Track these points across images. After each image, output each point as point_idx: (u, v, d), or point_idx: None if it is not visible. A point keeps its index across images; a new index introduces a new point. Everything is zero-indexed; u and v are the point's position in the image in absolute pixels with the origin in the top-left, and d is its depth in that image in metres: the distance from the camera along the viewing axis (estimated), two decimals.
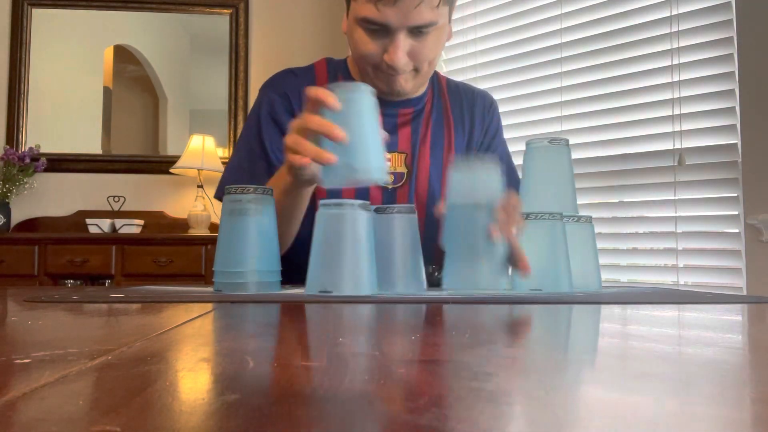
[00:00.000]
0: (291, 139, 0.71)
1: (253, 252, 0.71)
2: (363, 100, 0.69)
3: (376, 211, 0.73)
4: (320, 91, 0.70)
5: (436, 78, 1.12)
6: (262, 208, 0.73)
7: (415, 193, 1.03)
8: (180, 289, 0.80)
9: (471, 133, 1.09)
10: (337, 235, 0.66)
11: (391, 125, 1.02)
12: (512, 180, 1.09)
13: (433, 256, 1.03)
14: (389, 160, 0.90)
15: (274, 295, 0.67)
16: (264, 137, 1.01)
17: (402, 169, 1.02)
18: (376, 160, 0.68)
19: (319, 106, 0.70)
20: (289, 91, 1.03)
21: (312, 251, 0.68)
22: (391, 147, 1.01)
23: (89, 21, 2.99)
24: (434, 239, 1.03)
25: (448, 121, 1.08)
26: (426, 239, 1.04)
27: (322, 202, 0.68)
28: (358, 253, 0.65)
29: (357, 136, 0.67)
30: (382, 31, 0.91)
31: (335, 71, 1.08)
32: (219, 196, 0.98)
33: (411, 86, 0.99)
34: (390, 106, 1.01)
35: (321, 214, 0.68)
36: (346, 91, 0.69)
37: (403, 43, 0.91)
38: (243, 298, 0.63)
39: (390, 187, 1.01)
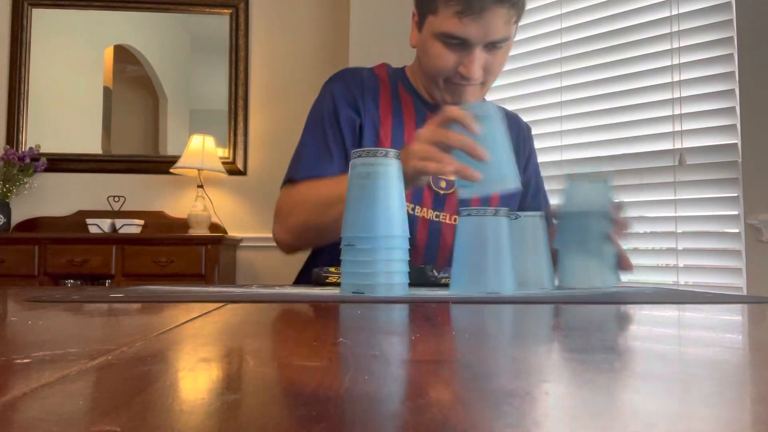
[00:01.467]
0: (423, 149, 0.78)
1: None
2: (495, 118, 0.77)
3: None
4: (459, 113, 0.76)
5: None
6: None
7: (470, 201, 1.06)
8: (180, 289, 0.80)
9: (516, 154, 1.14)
10: (481, 239, 0.70)
11: None
12: (542, 198, 1.18)
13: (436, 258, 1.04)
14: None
15: (272, 295, 0.67)
16: (342, 123, 1.05)
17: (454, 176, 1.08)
18: (508, 171, 0.76)
19: (449, 123, 0.77)
20: (354, 87, 1.08)
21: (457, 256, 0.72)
22: None
23: (89, 21, 2.99)
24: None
25: None
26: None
27: (463, 209, 0.73)
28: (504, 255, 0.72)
29: (492, 153, 0.75)
30: (460, 45, 0.96)
31: (395, 77, 1.13)
32: (294, 177, 1.03)
33: (475, 98, 1.04)
34: None
35: (463, 221, 0.72)
36: (480, 111, 0.77)
37: (479, 56, 0.96)
38: (242, 298, 0.63)
39: (441, 192, 1.06)
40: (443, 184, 1.05)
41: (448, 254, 1.05)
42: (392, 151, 0.68)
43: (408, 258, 0.68)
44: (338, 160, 1.02)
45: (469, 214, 0.71)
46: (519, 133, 1.17)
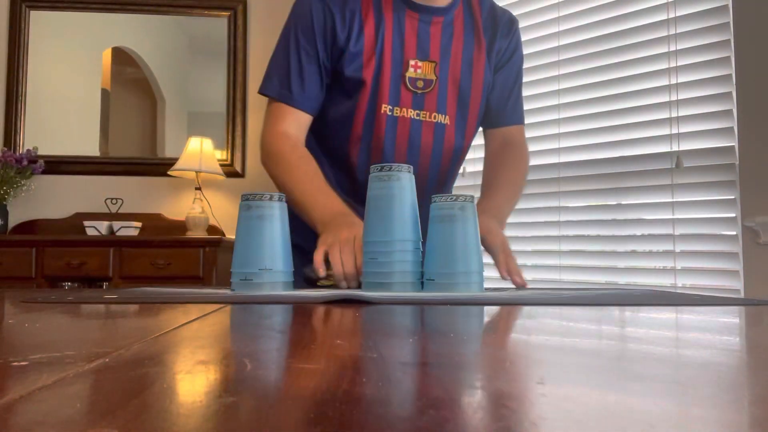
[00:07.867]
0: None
1: (269, 252, 0.77)
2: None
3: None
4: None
5: None
6: (279, 214, 0.78)
7: (447, 98, 1.08)
8: (177, 291, 0.79)
9: (491, 47, 1.14)
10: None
11: (424, 32, 1.08)
12: (517, 106, 1.17)
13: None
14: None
15: (270, 297, 0.67)
16: (318, 42, 1.04)
17: (432, 76, 1.08)
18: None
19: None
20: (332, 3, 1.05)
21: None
22: (422, 55, 1.08)
23: (87, 23, 2.99)
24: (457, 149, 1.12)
25: (478, 28, 1.13)
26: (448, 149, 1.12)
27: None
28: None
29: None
30: None
31: None
32: (266, 92, 1.06)
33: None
34: (425, 12, 1.07)
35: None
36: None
37: None
38: (241, 299, 0.63)
39: (419, 92, 1.06)
40: (420, 84, 1.07)
41: (429, 152, 1.09)
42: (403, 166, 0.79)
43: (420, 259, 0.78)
44: (311, 84, 1.04)
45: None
46: (498, 23, 1.15)
